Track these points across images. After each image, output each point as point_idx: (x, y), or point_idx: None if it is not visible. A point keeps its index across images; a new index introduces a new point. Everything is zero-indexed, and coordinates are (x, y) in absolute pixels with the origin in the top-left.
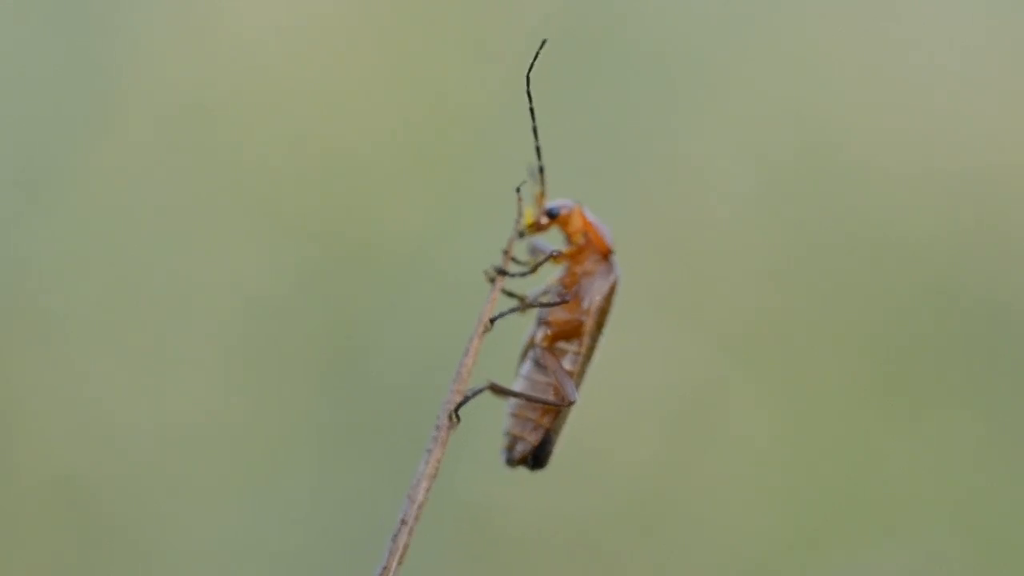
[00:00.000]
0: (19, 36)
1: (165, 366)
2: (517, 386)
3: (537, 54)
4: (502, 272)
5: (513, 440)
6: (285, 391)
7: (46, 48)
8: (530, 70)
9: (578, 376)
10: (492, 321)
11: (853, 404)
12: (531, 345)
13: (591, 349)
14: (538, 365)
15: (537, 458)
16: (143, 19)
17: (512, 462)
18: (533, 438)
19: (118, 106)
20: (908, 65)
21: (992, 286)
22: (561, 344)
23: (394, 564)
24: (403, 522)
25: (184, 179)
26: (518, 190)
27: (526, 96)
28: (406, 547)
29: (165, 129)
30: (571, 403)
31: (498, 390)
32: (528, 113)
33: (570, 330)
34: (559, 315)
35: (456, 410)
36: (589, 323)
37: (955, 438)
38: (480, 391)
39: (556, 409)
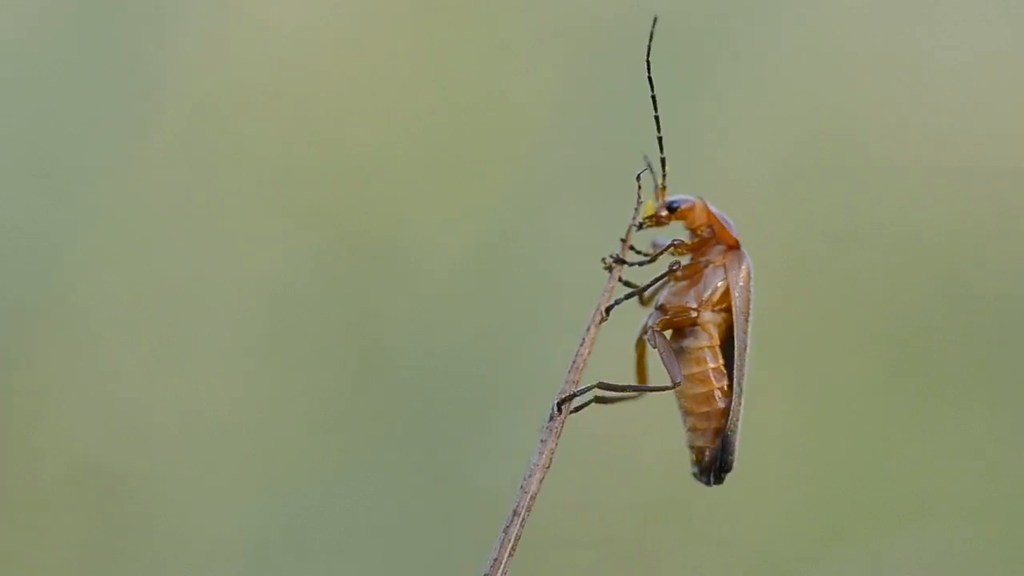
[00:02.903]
0: (49, 31)
1: (190, 359)
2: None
3: (652, 34)
4: (620, 261)
5: (698, 453)
6: (309, 385)
7: (75, 44)
8: (648, 53)
9: (739, 371)
10: (607, 310)
11: (869, 398)
12: (644, 331)
13: (744, 340)
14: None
15: (723, 463)
16: (170, 16)
17: (706, 473)
18: (706, 440)
19: (145, 102)
20: (924, 60)
21: (1008, 281)
22: (681, 339)
23: (505, 555)
24: (515, 513)
25: (211, 175)
26: (638, 177)
27: (647, 82)
28: (518, 538)
29: (191, 126)
30: (677, 384)
31: (608, 387)
32: (649, 102)
33: (685, 320)
34: (675, 301)
35: (562, 403)
36: (708, 314)
37: (971, 431)
38: (588, 390)
39: (724, 409)
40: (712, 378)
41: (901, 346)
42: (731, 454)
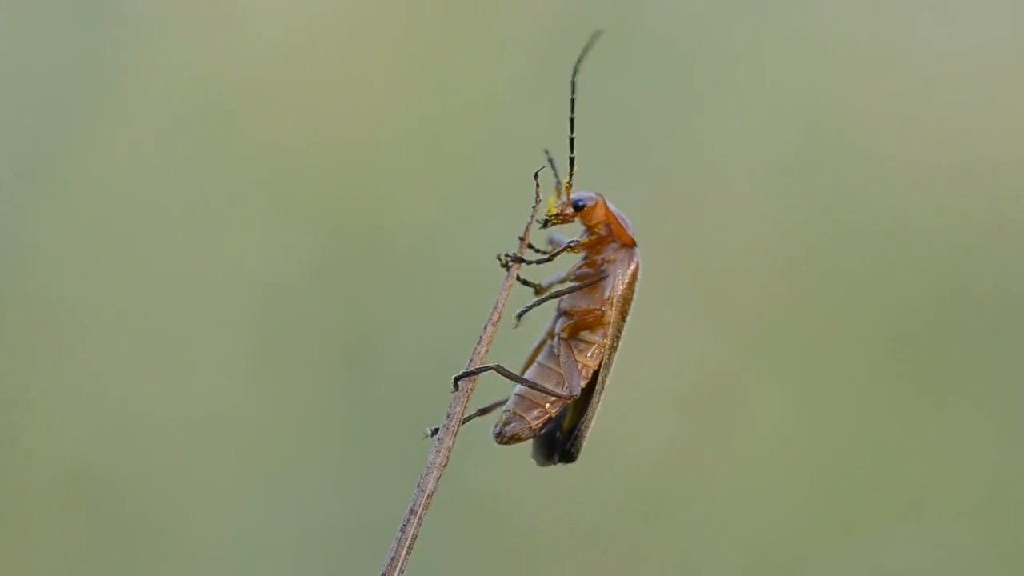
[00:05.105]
0: (26, 24)
1: (178, 357)
2: (529, 372)
3: (588, 47)
4: (518, 259)
5: (510, 417)
6: (299, 381)
7: (54, 36)
8: (579, 61)
9: (605, 368)
10: (518, 317)
11: (867, 394)
12: (551, 335)
13: (616, 339)
14: (553, 354)
15: (566, 452)
16: (152, 7)
17: (501, 437)
18: (532, 419)
19: (128, 95)
20: (924, 55)
21: (1008, 276)
22: (585, 335)
23: (403, 554)
24: (412, 511)
25: (195, 169)
26: (536, 176)
27: (570, 87)
28: (415, 537)
29: (176, 119)
30: (572, 396)
31: (504, 373)
32: (568, 104)
33: (592, 321)
34: (580, 304)
35: (459, 378)
36: (613, 313)
37: (971, 428)
38: (486, 369)
39: (561, 399)
40: (573, 372)
41: (900, 344)
42: (578, 446)
